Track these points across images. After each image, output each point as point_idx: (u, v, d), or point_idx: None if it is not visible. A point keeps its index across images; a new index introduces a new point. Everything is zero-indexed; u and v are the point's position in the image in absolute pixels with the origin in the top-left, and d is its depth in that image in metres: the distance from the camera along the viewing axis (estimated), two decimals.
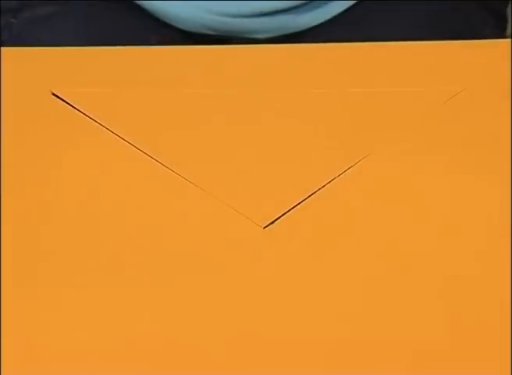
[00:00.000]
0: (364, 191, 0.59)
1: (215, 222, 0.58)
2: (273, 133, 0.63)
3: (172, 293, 0.53)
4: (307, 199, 0.59)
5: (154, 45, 0.70)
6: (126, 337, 0.50)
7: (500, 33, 0.83)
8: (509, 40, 0.69)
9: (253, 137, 0.63)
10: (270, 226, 0.57)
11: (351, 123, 0.64)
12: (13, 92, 0.65)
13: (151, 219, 0.57)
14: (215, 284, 0.53)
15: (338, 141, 0.62)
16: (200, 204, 0.58)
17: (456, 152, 0.62)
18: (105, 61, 0.69)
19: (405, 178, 0.60)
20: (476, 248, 0.55)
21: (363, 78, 0.68)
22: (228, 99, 0.65)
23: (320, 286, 0.53)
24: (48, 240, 0.56)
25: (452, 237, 0.56)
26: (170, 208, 0.58)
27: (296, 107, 0.65)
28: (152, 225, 0.57)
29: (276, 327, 0.51)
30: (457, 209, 0.58)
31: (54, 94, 0.65)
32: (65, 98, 0.65)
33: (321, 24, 0.82)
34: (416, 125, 0.64)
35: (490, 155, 0.62)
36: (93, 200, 0.58)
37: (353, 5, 0.81)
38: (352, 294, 0.53)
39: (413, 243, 0.56)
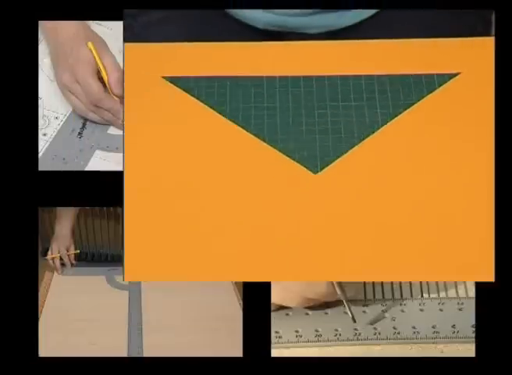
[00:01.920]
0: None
1: (271, 169, 0.70)
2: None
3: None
4: (353, 149, 0.71)
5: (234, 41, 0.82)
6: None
7: (487, 33, 0.91)
8: (492, 38, 0.78)
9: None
10: (321, 171, 0.70)
11: None
12: (134, 76, 0.78)
13: (220, 169, 0.71)
14: (272, 220, 0.67)
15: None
16: (260, 155, 0.72)
17: (446, 127, 0.74)
18: (200, 53, 0.80)
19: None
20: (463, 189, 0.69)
21: (374, 63, 0.78)
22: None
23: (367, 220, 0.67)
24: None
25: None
26: (233, 160, 0.72)
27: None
28: (220, 173, 0.71)
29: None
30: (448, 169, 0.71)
31: (164, 77, 0.78)
32: (172, 82, 0.78)
33: (357, 24, 0.93)
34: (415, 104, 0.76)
35: (476, 132, 0.73)
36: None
37: (382, 10, 0.92)
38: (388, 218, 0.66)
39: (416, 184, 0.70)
